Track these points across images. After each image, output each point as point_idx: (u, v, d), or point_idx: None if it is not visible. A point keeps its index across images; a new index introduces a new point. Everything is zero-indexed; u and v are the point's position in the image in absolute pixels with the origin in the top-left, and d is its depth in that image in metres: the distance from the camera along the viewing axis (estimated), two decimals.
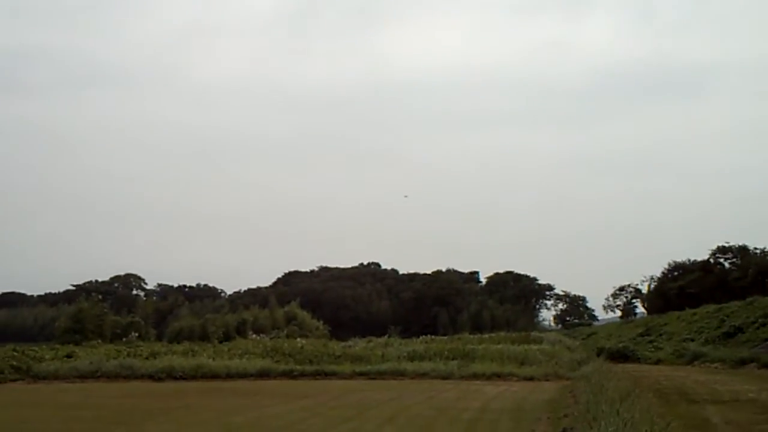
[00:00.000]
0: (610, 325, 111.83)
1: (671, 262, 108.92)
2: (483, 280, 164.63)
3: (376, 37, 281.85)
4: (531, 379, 43.44)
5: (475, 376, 44.19)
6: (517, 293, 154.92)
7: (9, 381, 40.81)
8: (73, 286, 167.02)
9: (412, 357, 50.89)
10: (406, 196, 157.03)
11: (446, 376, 44.23)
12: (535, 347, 56.73)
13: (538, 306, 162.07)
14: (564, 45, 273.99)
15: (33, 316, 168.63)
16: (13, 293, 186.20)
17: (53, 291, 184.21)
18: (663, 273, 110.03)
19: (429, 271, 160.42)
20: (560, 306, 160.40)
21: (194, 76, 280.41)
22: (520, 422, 24.90)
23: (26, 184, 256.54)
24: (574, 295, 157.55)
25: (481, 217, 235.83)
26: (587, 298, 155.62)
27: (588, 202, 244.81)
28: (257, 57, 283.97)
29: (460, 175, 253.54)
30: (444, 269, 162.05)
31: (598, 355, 57.85)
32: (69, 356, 48.53)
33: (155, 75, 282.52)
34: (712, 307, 75.90)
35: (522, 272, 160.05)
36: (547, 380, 42.78)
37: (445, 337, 79.38)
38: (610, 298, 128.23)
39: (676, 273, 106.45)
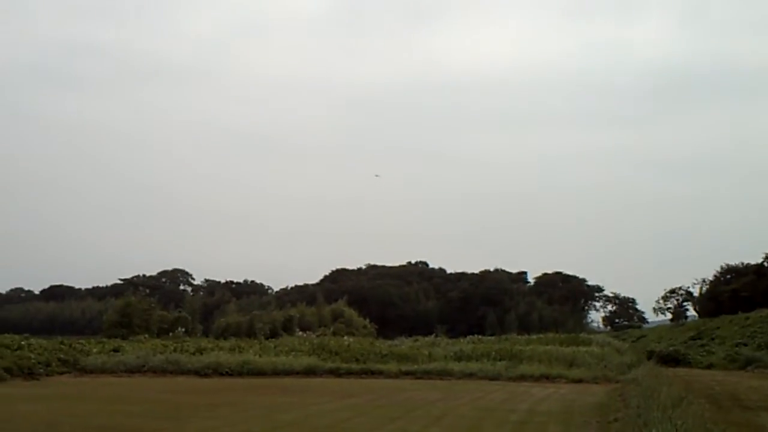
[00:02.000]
0: (660, 327, 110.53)
1: (724, 264, 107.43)
2: (531, 280, 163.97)
3: (428, 37, 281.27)
4: (580, 381, 42.96)
5: (522, 378, 43.79)
6: (566, 294, 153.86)
7: (56, 374, 41.00)
8: (121, 280, 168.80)
9: (459, 357, 50.57)
10: (377, 175, 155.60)
11: (493, 377, 43.90)
12: (583, 349, 56.08)
13: (586, 307, 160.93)
14: (618, 45, 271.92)
15: (81, 309, 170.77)
16: (61, 286, 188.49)
17: (101, 285, 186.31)
18: (715, 276, 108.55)
19: (477, 271, 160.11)
20: (609, 308, 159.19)
21: (245, 74, 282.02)
22: (569, 426, 24.52)
23: (77, 178, 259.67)
24: (624, 297, 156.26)
25: (531, 217, 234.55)
26: (637, 300, 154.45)
27: (640, 203, 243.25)
28: (308, 56, 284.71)
29: (510, 175, 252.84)
30: (492, 269, 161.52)
31: (648, 358, 57.15)
32: (116, 350, 48.78)
33: (206, 73, 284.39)
34: (766, 312, 74.72)
35: (571, 273, 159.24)
36: (596, 383, 42.22)
37: (493, 338, 78.84)
38: (661, 301, 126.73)
39: (728, 276, 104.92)
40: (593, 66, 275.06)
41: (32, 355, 41.75)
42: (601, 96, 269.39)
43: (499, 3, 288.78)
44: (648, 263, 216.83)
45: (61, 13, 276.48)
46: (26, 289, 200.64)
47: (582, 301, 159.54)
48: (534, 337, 76.02)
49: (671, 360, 59.58)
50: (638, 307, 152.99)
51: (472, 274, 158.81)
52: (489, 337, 79.93)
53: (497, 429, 23.68)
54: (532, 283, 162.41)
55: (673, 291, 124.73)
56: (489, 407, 29.22)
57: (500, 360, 48.58)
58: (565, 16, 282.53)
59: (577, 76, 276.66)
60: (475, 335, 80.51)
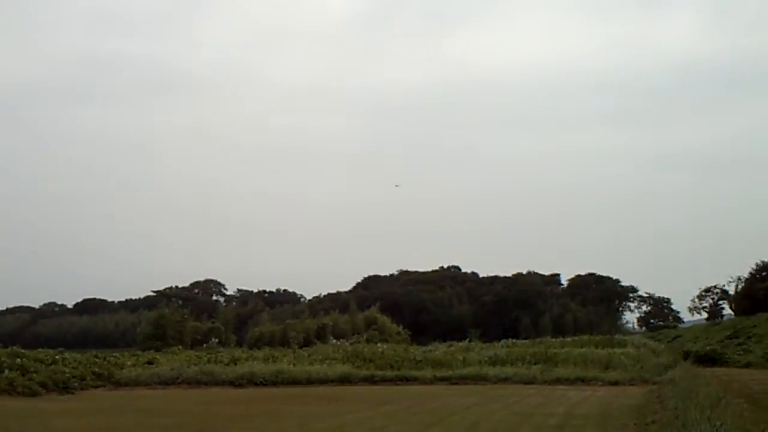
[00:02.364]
0: (696, 327, 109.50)
1: (759, 262, 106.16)
2: (564, 282, 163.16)
3: (452, 39, 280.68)
4: (616, 383, 42.74)
5: (558, 381, 43.62)
6: (600, 295, 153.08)
7: (91, 387, 41.00)
8: (154, 292, 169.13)
9: (493, 361, 50.41)
10: (396, 186, 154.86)
11: (529, 381, 43.74)
12: (619, 351, 55.78)
13: (621, 308, 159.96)
14: (641, 43, 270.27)
15: (114, 322, 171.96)
16: (94, 299, 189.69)
17: (134, 297, 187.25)
18: (751, 273, 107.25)
19: (509, 274, 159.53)
20: (644, 308, 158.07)
21: (268, 82, 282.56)
22: (607, 428, 24.33)
23: (105, 191, 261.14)
24: (658, 297, 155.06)
25: (562, 218, 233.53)
26: (672, 300, 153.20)
27: (671, 201, 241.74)
28: (332, 61, 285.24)
29: (539, 176, 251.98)
30: (524, 272, 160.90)
31: (685, 358, 56.57)
32: (150, 362, 48.87)
33: (231, 81, 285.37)
34: None
35: (604, 274, 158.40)
36: (633, 385, 42.01)
37: (527, 341, 78.41)
38: (696, 300, 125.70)
39: (764, 273, 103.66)
40: (616, 63, 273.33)
41: (67, 369, 41.81)
42: (626, 93, 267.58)
43: (521, 3, 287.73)
44: (682, 262, 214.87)
45: (79, 28, 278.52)
46: (59, 303, 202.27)
47: (616, 302, 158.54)
48: (568, 339, 75.67)
49: (708, 360, 58.99)
50: (673, 306, 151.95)
51: (505, 277, 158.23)
52: (523, 341, 79.49)
53: None
54: (565, 285, 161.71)
55: (708, 290, 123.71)
56: (525, 412, 29.04)
57: (535, 363, 48.42)
58: (587, 14, 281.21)
59: (600, 74, 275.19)
60: (509, 339, 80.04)
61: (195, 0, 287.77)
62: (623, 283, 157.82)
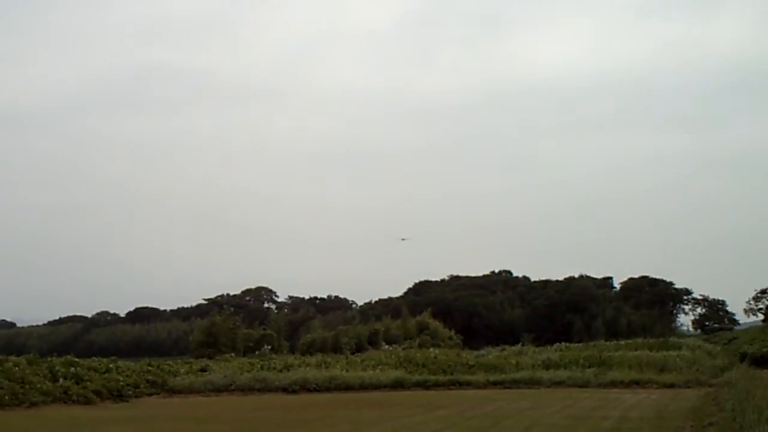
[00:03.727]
0: (752, 329, 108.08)
1: None
2: (617, 285, 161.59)
3: (501, 43, 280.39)
4: (671, 386, 42.40)
5: (612, 384, 43.38)
6: (653, 298, 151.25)
7: (145, 395, 41.36)
8: (205, 300, 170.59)
9: (546, 365, 50.21)
10: (403, 239, 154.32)
11: (583, 384, 43.53)
12: (674, 353, 55.31)
13: (675, 311, 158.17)
14: (690, 45, 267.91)
15: (166, 331, 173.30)
16: (146, 308, 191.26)
17: (186, 305, 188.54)
18: None
19: (561, 278, 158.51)
20: (699, 310, 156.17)
21: (314, 88, 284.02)
22: (663, 431, 24.10)
23: (154, 200, 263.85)
24: (713, 299, 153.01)
25: (614, 221, 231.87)
26: (727, 302, 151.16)
27: (724, 203, 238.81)
28: (380, 66, 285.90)
29: (591, 179, 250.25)
30: (576, 275, 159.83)
31: (741, 360, 55.84)
32: (203, 370, 49.05)
33: (276, 88, 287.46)
34: None
35: (657, 276, 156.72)
36: (688, 387, 41.64)
37: (580, 345, 77.87)
38: (752, 302, 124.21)
39: None
40: (667, 65, 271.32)
41: (120, 378, 42.19)
42: (677, 96, 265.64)
43: (571, 5, 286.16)
44: (738, 264, 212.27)
45: (123, 39, 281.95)
46: (112, 312, 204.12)
47: (670, 304, 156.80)
48: (622, 342, 74.99)
49: (765, 361, 58.08)
50: (728, 309, 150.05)
51: (557, 281, 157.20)
52: (576, 344, 78.95)
53: None
54: (618, 289, 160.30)
55: (764, 291, 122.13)
56: (580, 415, 28.89)
57: (589, 367, 48.12)
58: (638, 15, 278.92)
59: (652, 76, 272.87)
60: (562, 343, 79.54)
61: (239, 9, 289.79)
62: (677, 286, 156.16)
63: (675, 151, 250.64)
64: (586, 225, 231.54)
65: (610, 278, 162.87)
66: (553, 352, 60.88)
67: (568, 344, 77.26)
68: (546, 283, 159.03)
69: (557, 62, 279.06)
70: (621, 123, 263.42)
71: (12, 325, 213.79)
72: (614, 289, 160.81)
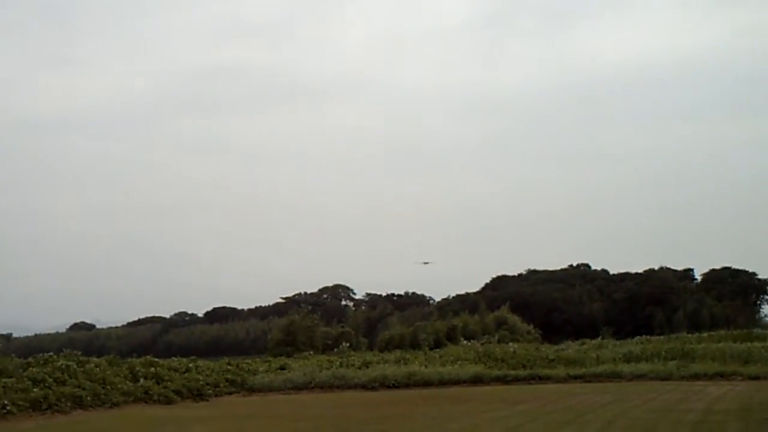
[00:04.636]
0: None
1: None
2: (698, 277, 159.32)
3: (570, 36, 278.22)
4: (756, 378, 41.68)
5: (695, 377, 42.74)
6: (735, 289, 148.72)
7: (225, 394, 41.72)
8: (283, 299, 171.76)
9: (628, 358, 49.58)
10: (425, 263, 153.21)
11: (665, 377, 42.92)
12: (759, 345, 54.26)
13: (759, 302, 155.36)
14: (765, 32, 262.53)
15: (245, 330, 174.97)
16: (224, 308, 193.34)
17: (263, 304, 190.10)
18: None
19: (640, 270, 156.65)
20: None
21: (385, 85, 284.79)
22: (749, 423, 23.72)
23: (229, 200, 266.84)
24: None
25: (693, 212, 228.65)
26: None
27: None
28: (450, 63, 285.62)
29: (668, 171, 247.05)
30: (656, 268, 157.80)
31: None
32: (282, 368, 49.24)
33: (347, 87, 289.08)
34: None
35: (740, 267, 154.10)
36: None
37: (661, 337, 76.92)
38: None
39: None
40: (739, 54, 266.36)
41: (200, 377, 42.56)
42: (753, 82, 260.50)
43: None
44: None
45: (197, 39, 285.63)
46: (190, 312, 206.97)
47: (753, 295, 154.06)
48: (704, 334, 74.01)
49: None
50: None
51: (636, 273, 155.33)
52: (657, 337, 78.02)
53: (674, 429, 23.04)
54: (699, 280, 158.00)
55: None
56: (663, 408, 28.51)
57: (671, 359, 47.43)
58: (708, 4, 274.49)
59: (725, 65, 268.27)
60: (643, 336, 78.67)
61: (309, 9, 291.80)
62: (760, 277, 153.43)
63: (754, 139, 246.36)
64: (664, 216, 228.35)
65: (691, 270, 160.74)
66: (634, 345, 60.21)
67: (649, 337, 76.36)
68: (625, 276, 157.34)
69: (625, 53, 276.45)
70: (695, 111, 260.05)
71: (91, 326, 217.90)
72: (695, 281, 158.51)
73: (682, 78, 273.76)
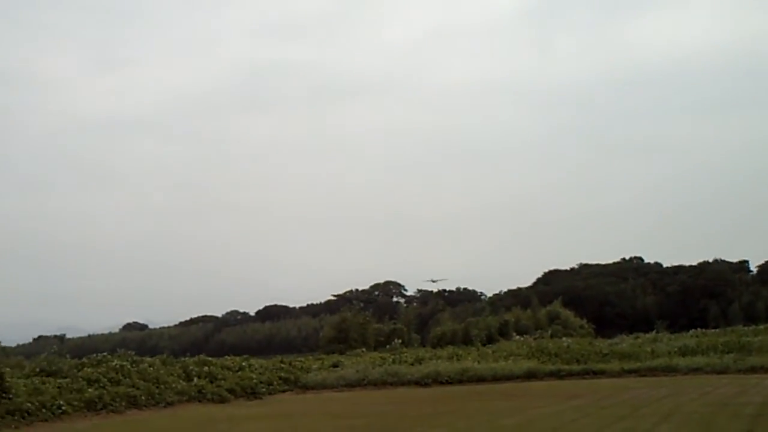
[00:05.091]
0: None
1: None
2: (753, 269, 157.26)
3: (623, 27, 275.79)
4: None
5: (752, 370, 42.20)
6: None
7: (278, 392, 42.01)
8: (334, 296, 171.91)
9: (683, 352, 49.11)
10: (434, 281, 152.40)
11: (721, 371, 42.46)
12: None
13: None
14: None
15: (296, 328, 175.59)
16: (275, 306, 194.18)
17: (315, 302, 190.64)
18: None
19: (694, 263, 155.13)
20: None
21: (436, 80, 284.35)
22: None
23: (279, 198, 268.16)
24: None
25: (747, 203, 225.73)
26: None
27: None
28: (501, 56, 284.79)
29: (721, 159, 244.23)
30: (710, 260, 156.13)
31: None
32: (335, 365, 49.38)
33: (399, 82, 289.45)
34: None
35: None
36: None
37: (717, 330, 76.08)
38: None
39: None
40: None
41: (254, 375, 42.86)
42: None
43: None
44: None
45: (248, 38, 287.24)
46: (242, 311, 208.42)
47: None
48: (761, 327, 72.99)
49: None
50: None
51: (690, 266, 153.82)
52: (713, 330, 77.20)
53: (732, 423, 22.71)
54: (754, 272, 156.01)
55: None
56: (720, 401, 28.15)
57: (727, 353, 46.90)
58: None
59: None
60: (698, 329, 77.83)
61: (360, 4, 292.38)
62: None
63: None
64: (717, 208, 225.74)
65: (746, 261, 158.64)
66: (689, 338, 59.71)
67: (704, 330, 75.61)
68: (678, 269, 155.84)
69: (679, 43, 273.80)
70: (747, 102, 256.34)
71: (144, 326, 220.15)
72: (751, 273, 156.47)
73: (734, 67, 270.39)
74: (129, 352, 43.12)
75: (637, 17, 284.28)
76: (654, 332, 75.95)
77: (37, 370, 35.56)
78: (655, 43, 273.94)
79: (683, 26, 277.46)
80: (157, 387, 36.30)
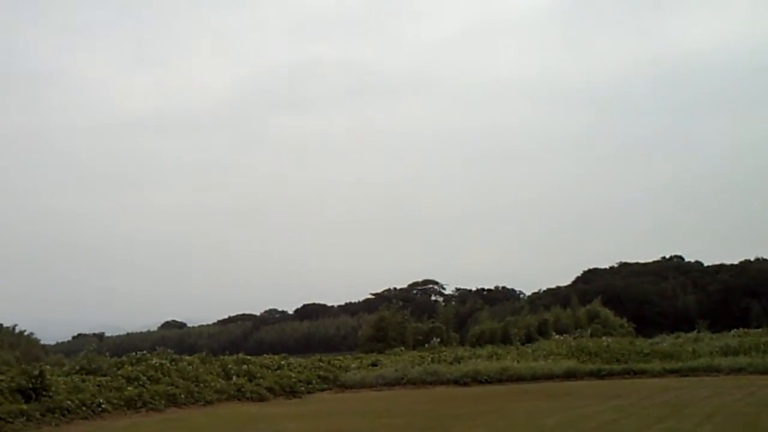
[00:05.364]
0: None
1: None
2: None
3: (659, 22, 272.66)
4: None
5: None
6: None
7: (317, 391, 42.00)
8: (373, 294, 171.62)
9: (725, 352, 48.61)
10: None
11: (765, 371, 41.94)
12: None
13: None
14: None
15: (335, 326, 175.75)
16: (314, 305, 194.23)
17: (353, 301, 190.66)
18: None
19: (736, 262, 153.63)
20: None
21: (469, 77, 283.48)
22: None
23: (317, 196, 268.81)
24: None
25: None
26: None
27: None
28: (535, 53, 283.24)
29: (761, 156, 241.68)
30: (752, 258, 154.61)
31: None
32: (374, 364, 49.31)
33: (431, 80, 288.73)
34: None
35: None
36: None
37: (760, 330, 75.14)
38: None
39: None
40: None
41: (293, 374, 42.88)
42: None
43: None
44: None
45: (277, 36, 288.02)
46: (280, 309, 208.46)
47: None
48: None
49: None
50: None
51: (731, 265, 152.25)
52: (756, 330, 76.30)
53: None
54: None
55: None
56: (764, 402, 27.83)
57: None
58: None
59: None
60: (740, 329, 77.00)
61: (390, 2, 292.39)
62: None
63: None
64: (760, 204, 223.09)
65: None
66: (731, 338, 59.08)
67: (746, 330, 74.82)
68: (720, 268, 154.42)
69: (718, 37, 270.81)
70: None
71: (182, 325, 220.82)
72: None
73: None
74: (168, 350, 43.29)
75: (672, 11, 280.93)
76: (695, 332, 75.27)
77: (77, 368, 35.80)
78: (694, 36, 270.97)
79: (722, 21, 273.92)
80: (196, 385, 36.40)
